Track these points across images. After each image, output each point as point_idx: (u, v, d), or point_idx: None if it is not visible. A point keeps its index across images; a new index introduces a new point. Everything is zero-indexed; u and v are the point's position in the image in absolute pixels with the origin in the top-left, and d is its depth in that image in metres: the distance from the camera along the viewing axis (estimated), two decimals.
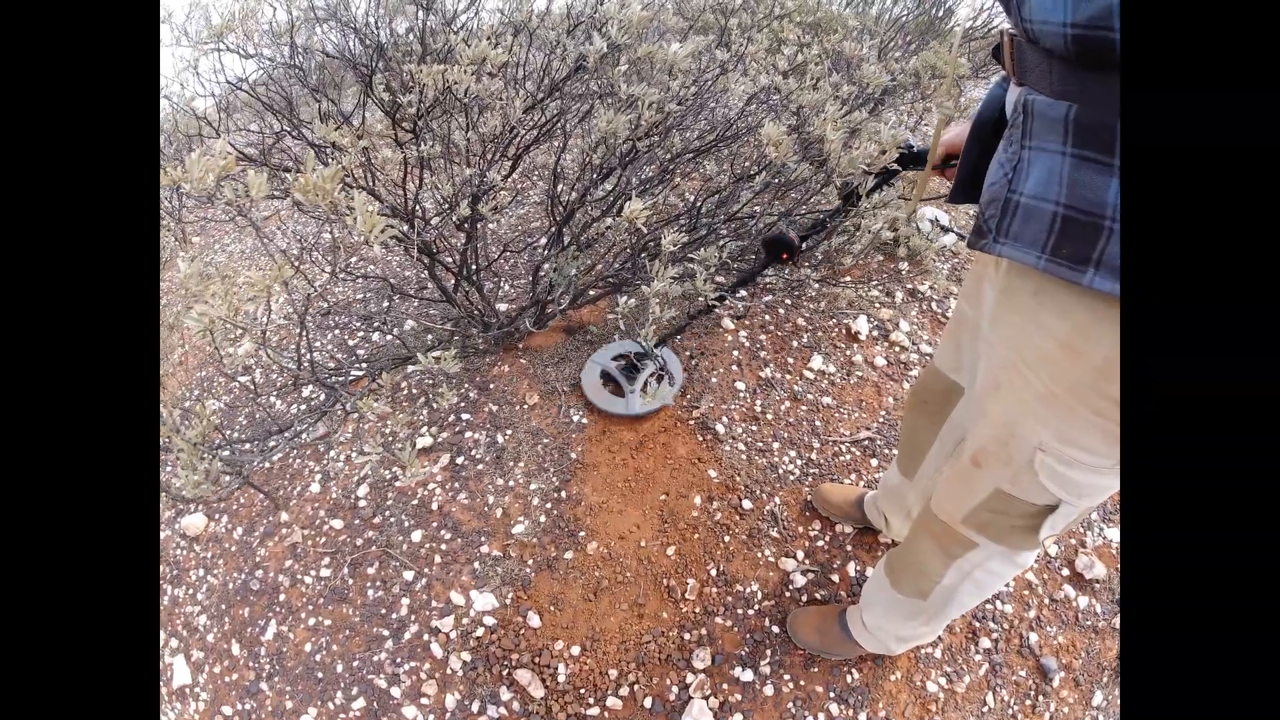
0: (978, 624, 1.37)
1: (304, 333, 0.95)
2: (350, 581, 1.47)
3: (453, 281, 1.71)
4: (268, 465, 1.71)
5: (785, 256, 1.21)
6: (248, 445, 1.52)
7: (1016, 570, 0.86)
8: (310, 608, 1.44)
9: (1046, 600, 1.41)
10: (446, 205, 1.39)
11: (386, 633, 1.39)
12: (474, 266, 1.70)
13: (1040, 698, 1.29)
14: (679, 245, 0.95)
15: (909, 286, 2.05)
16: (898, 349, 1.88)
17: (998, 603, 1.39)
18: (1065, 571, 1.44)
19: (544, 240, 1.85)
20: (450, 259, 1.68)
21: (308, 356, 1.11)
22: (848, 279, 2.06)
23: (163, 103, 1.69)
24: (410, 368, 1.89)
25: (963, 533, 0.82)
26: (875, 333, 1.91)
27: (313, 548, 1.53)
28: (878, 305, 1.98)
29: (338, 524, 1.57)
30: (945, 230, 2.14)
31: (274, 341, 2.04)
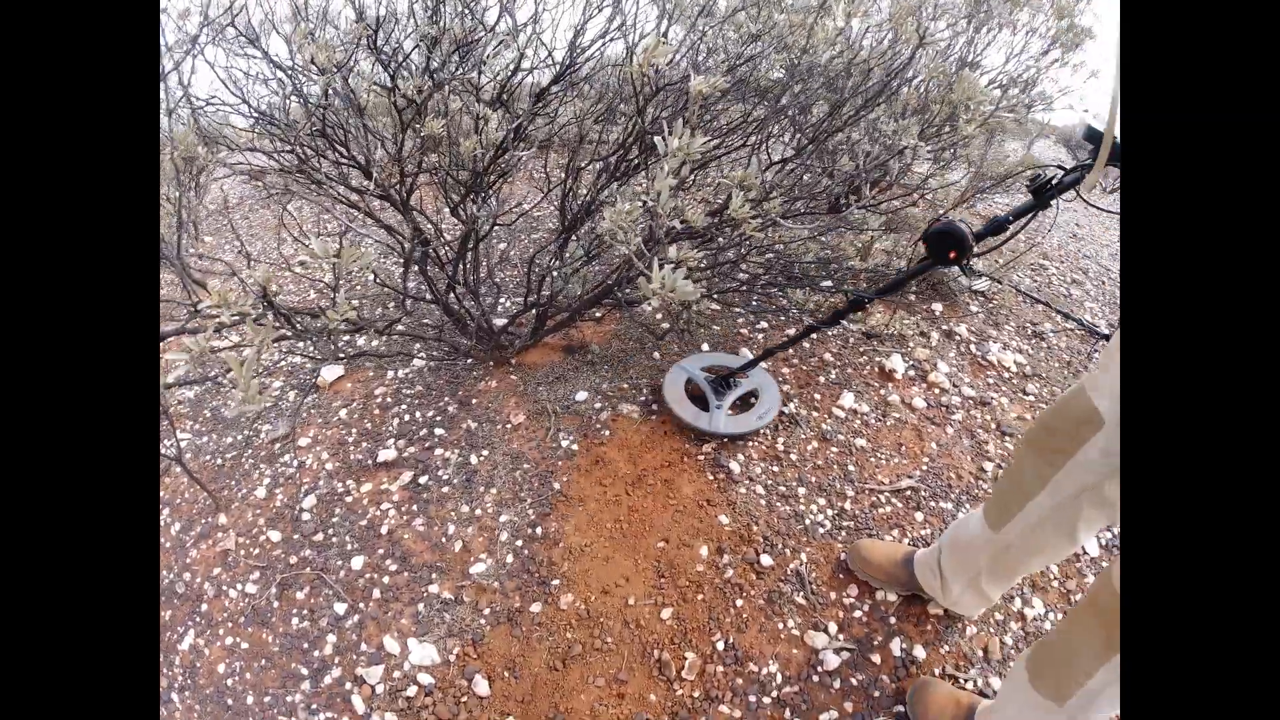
0: None
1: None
2: (276, 604, 1.20)
3: (445, 283, 1.56)
4: (219, 462, 1.49)
5: (954, 256, 0.94)
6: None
7: None
8: (230, 625, 1.19)
9: None
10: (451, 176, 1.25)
11: (305, 671, 1.11)
12: (469, 262, 1.55)
13: None
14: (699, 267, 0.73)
15: (945, 328, 1.84)
16: (937, 390, 1.63)
17: None
18: None
19: (550, 243, 1.71)
20: (445, 253, 1.54)
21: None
22: (879, 314, 1.86)
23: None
24: (390, 373, 1.70)
25: None
26: (911, 372, 1.68)
27: (244, 558, 1.28)
28: (912, 344, 1.76)
29: (275, 536, 1.32)
30: (978, 275, 1.96)
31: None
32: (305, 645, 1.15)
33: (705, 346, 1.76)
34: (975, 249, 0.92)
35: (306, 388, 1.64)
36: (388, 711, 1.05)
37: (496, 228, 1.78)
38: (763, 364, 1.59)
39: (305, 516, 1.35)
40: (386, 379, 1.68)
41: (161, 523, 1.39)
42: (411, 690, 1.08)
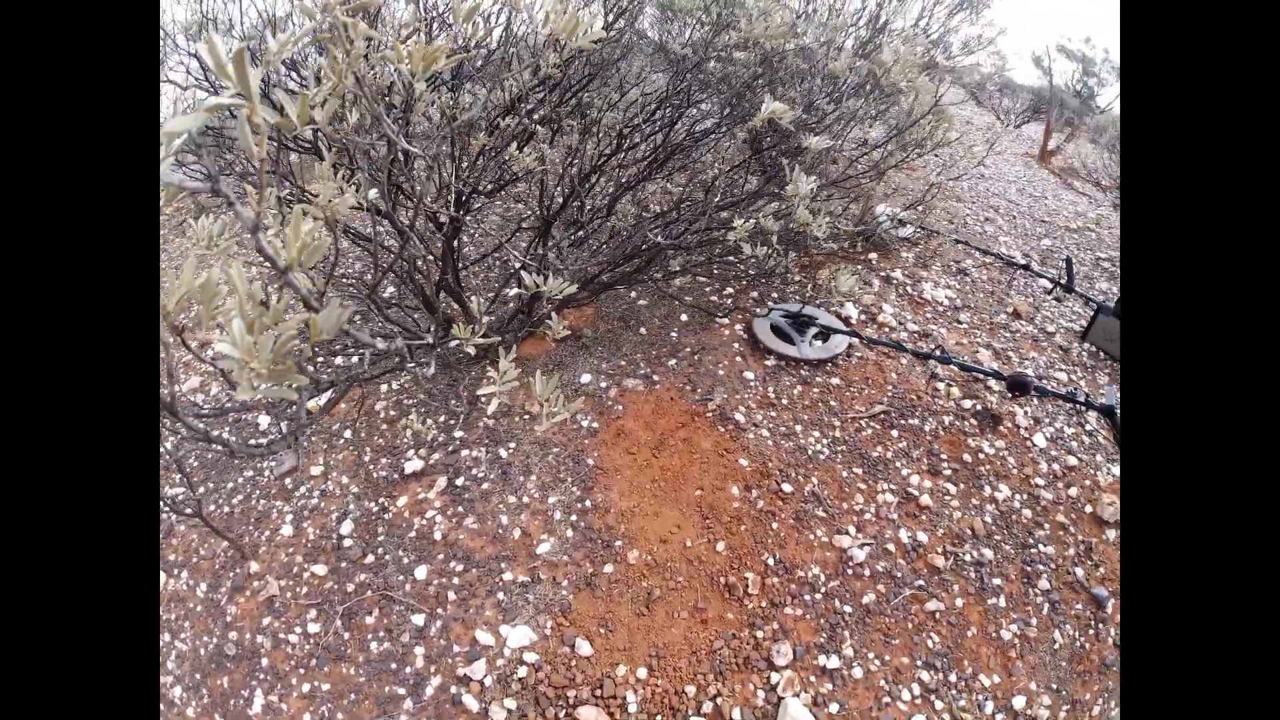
0: (1028, 568, 1.37)
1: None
2: (346, 635, 1.18)
3: (433, 288, 1.54)
4: (227, 509, 1.38)
5: (1015, 395, 1.24)
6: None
7: None
8: (301, 671, 1.13)
9: (1079, 539, 1.45)
10: (439, 195, 1.26)
11: (402, 691, 1.12)
12: (456, 266, 1.55)
13: (1100, 625, 1.31)
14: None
15: (882, 274, 2.17)
16: (887, 329, 1.95)
17: (1039, 545, 1.41)
18: (1089, 510, 1.50)
19: (529, 239, 1.74)
20: (432, 258, 1.52)
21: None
22: (825, 270, 2.14)
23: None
24: (384, 386, 1.65)
25: None
26: (864, 316, 1.98)
27: (294, 600, 1.22)
28: (858, 292, 2.06)
29: (320, 569, 1.27)
30: (903, 224, 2.32)
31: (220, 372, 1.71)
32: (393, 665, 1.16)
33: (768, 305, 2.07)
34: (1031, 395, 1.28)
35: (297, 421, 1.54)
36: (505, 698, 1.11)
37: (467, 230, 1.76)
38: (826, 311, 1.95)
39: (347, 543, 1.32)
40: (382, 392, 1.64)
41: (184, 586, 1.28)
42: (521, 671, 1.14)
